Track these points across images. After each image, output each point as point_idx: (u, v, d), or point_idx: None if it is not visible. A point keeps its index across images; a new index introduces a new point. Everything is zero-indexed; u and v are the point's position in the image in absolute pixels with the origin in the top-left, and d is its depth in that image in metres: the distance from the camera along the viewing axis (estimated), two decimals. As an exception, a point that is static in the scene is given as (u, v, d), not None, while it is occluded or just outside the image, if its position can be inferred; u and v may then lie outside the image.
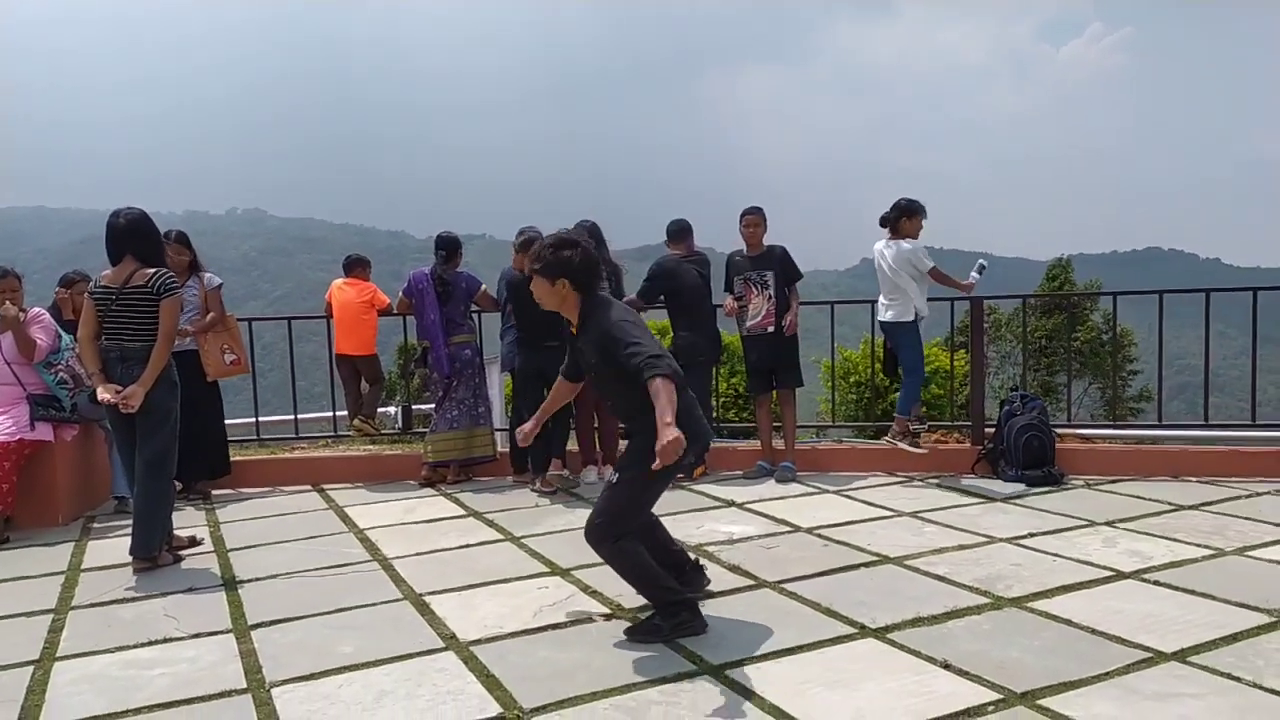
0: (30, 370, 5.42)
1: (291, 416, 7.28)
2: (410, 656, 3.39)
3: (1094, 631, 3.45)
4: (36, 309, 5.55)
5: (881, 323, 6.32)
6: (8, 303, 5.29)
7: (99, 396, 4.43)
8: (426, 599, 4.00)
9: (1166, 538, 4.63)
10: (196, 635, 3.67)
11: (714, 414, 6.90)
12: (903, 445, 6.21)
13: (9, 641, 3.69)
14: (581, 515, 4.43)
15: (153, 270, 4.46)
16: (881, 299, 6.26)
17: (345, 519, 5.52)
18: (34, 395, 5.41)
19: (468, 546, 4.84)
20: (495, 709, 2.96)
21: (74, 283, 6.09)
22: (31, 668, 3.42)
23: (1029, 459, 5.98)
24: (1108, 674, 3.08)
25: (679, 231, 6.43)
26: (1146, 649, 3.26)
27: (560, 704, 2.97)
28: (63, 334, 5.58)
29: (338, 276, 7.40)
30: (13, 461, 5.23)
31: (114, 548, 4.93)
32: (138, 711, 3.04)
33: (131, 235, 4.48)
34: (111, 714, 3.03)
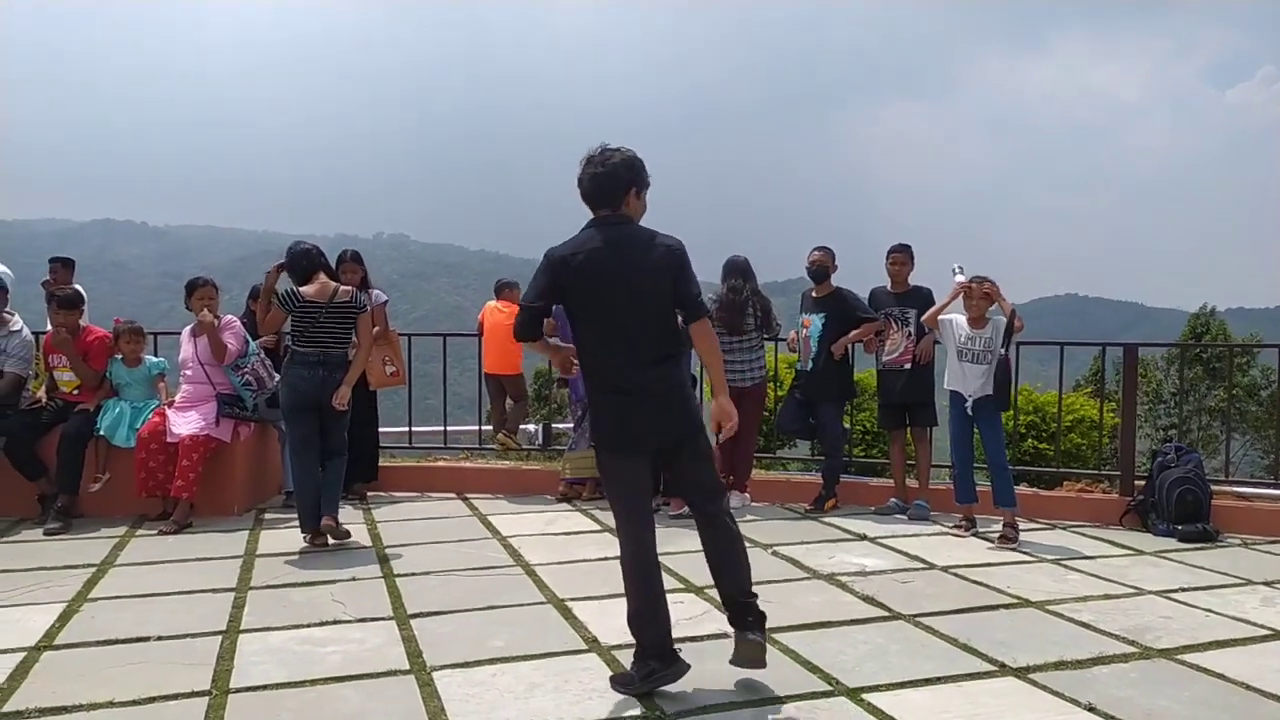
0: (220, 371, 5.97)
1: (440, 428, 7.70)
2: (556, 655, 3.59)
3: (1249, 688, 3.33)
4: (229, 316, 6.12)
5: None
6: (205, 309, 5.86)
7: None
8: (569, 604, 4.20)
9: (1334, 603, 4.39)
10: (362, 620, 3.99)
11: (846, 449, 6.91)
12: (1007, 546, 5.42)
13: (200, 613, 4.09)
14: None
15: (349, 289, 5.25)
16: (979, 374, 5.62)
17: (489, 526, 5.81)
18: (221, 395, 5.95)
19: (606, 559, 5.02)
20: (639, 709, 3.12)
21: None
22: (220, 637, 3.78)
23: (1182, 513, 5.74)
24: (1265, 732, 2.99)
25: None
26: (1309, 711, 3.14)
27: (700, 710, 3.11)
28: (250, 340, 6.12)
29: (471, 301, 7.85)
30: (199, 454, 5.76)
31: (284, 537, 5.37)
32: (314, 683, 3.33)
33: (321, 258, 5.28)
34: (293, 682, 3.33)
